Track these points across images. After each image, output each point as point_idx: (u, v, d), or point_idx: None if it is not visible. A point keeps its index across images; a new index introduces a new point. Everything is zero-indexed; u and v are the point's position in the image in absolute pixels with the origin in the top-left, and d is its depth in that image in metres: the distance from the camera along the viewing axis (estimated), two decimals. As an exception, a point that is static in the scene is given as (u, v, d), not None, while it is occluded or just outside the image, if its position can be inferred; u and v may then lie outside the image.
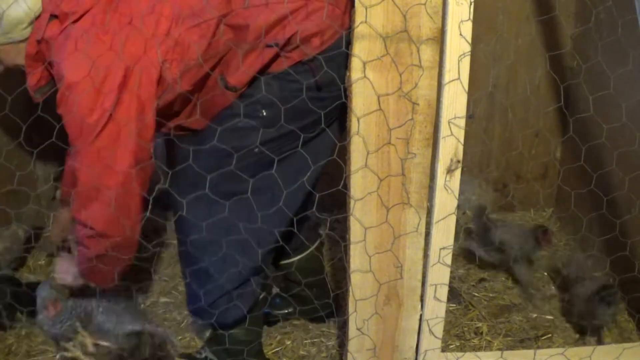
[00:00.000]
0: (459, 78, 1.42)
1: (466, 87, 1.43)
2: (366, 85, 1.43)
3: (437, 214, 1.53)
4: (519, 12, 2.76)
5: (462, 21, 1.39)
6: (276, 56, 1.61)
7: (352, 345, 1.67)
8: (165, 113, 1.65)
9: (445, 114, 1.45)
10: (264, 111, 1.64)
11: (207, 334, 2.03)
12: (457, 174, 1.50)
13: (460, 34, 1.39)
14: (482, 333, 2.11)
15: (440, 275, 1.59)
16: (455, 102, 1.44)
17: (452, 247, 1.56)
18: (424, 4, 1.38)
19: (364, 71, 1.42)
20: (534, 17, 2.77)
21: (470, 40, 1.41)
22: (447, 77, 1.42)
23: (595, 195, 2.50)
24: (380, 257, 1.58)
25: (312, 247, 2.11)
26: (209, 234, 1.70)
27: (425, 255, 1.59)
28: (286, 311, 2.18)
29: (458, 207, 1.54)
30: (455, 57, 1.41)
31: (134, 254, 1.71)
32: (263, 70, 1.64)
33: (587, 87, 2.64)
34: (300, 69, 1.61)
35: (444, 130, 1.46)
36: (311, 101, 1.58)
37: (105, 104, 1.50)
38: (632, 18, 1.99)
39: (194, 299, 1.86)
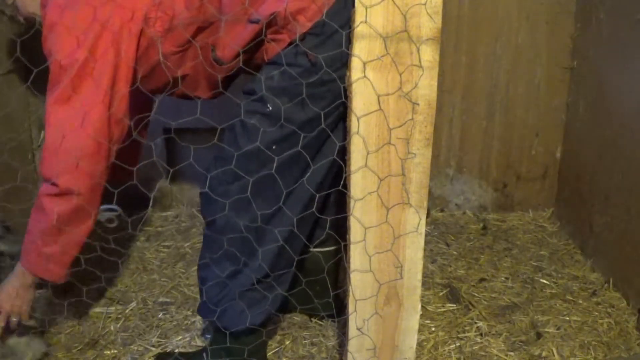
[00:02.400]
0: None
1: None
2: (366, 85, 1.43)
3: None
4: (518, 12, 2.77)
5: None
6: (268, 41, 1.60)
7: (352, 345, 1.67)
8: (160, 78, 1.69)
9: None
10: (269, 105, 1.60)
11: (209, 336, 2.02)
12: None
13: None
14: (482, 333, 2.11)
15: None
16: None
17: None
18: (424, 4, 1.38)
19: (364, 71, 1.42)
20: (534, 17, 2.78)
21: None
22: None
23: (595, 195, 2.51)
24: (380, 257, 1.58)
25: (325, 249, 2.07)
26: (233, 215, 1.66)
27: None
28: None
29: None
30: None
31: (90, 227, 1.71)
32: (260, 60, 1.64)
33: (586, 87, 2.65)
34: (294, 50, 1.58)
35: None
36: (311, 85, 1.54)
37: (80, 49, 1.54)
38: (633, 18, 1.99)
39: (202, 296, 1.82)
